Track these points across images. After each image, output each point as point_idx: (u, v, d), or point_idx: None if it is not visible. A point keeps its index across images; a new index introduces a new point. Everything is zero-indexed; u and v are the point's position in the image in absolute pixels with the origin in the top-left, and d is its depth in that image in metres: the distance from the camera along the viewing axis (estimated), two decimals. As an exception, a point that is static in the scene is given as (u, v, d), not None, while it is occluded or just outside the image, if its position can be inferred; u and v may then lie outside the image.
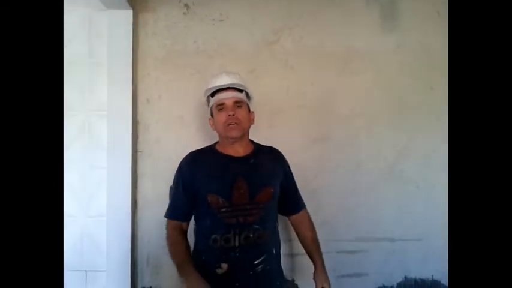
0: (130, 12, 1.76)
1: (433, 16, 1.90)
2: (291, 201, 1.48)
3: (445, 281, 1.85)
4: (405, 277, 1.86)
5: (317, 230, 1.50)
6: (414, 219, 1.86)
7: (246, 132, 1.40)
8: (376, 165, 1.87)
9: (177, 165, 1.40)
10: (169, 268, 1.77)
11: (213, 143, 1.47)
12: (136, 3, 1.81)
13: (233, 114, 1.32)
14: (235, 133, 1.33)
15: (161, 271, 1.79)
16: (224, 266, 1.28)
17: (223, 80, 1.36)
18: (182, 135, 1.82)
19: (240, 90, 1.37)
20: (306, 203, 1.53)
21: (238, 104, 1.35)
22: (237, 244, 1.28)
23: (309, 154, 1.84)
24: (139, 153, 1.82)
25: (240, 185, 1.31)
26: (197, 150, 1.44)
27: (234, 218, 1.29)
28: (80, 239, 1.76)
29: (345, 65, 1.88)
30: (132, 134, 1.75)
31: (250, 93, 1.42)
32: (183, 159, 1.40)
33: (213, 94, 1.38)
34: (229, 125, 1.32)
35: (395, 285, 1.86)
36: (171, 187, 1.42)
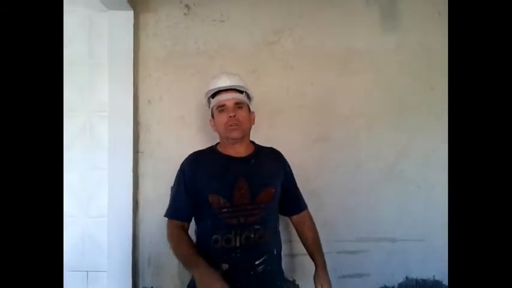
0: (131, 13, 1.76)
1: (433, 16, 1.90)
2: (291, 201, 1.49)
3: (446, 281, 1.84)
4: (406, 277, 1.86)
5: (318, 230, 1.50)
6: (415, 219, 1.86)
7: (246, 133, 1.40)
8: (376, 165, 1.87)
9: (178, 165, 1.40)
10: (170, 268, 1.79)
11: (214, 143, 1.47)
12: (137, 4, 1.81)
13: (234, 116, 1.33)
14: (236, 134, 1.34)
15: (162, 271, 1.79)
16: (225, 266, 1.28)
17: (224, 82, 1.36)
18: (183, 135, 1.82)
19: (241, 91, 1.37)
20: (306, 203, 1.53)
21: (238, 105, 1.35)
22: (238, 244, 1.28)
23: (309, 154, 1.84)
24: (140, 154, 1.82)
25: (241, 186, 1.31)
26: (199, 151, 1.45)
27: (235, 218, 1.29)
28: (81, 239, 1.76)
29: (345, 65, 1.88)
30: (133, 134, 1.76)
31: (250, 94, 1.42)
32: (185, 160, 1.40)
33: (213, 95, 1.39)
34: (230, 126, 1.33)
35: (396, 286, 1.86)
36: (172, 188, 1.43)
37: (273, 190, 1.36)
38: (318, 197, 1.81)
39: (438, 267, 1.84)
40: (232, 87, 1.36)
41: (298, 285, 1.83)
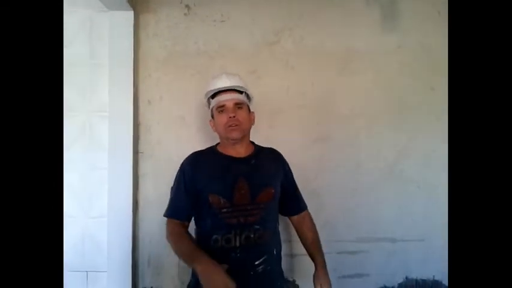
0: (131, 14, 1.77)
1: (433, 16, 1.90)
2: (291, 201, 1.49)
3: (446, 281, 1.85)
4: (406, 277, 1.86)
5: (318, 230, 1.50)
6: (415, 219, 1.86)
7: (246, 133, 1.40)
8: (376, 165, 1.87)
9: (178, 165, 1.40)
10: (170, 269, 1.79)
11: (214, 143, 1.47)
12: (137, 4, 1.81)
13: (234, 116, 1.33)
14: (236, 134, 1.34)
15: (162, 272, 1.79)
16: (224, 266, 1.27)
17: (224, 82, 1.36)
18: (183, 135, 1.82)
19: (240, 92, 1.37)
20: (306, 203, 1.53)
21: (238, 105, 1.35)
22: (237, 244, 1.28)
23: (309, 154, 1.85)
24: (140, 154, 1.82)
25: (241, 186, 1.31)
26: (198, 151, 1.45)
27: (235, 218, 1.29)
28: (81, 239, 1.77)
29: (345, 65, 1.88)
30: (133, 134, 1.76)
31: (250, 94, 1.42)
32: (185, 159, 1.40)
33: (213, 96, 1.39)
34: (229, 126, 1.33)
35: (396, 286, 1.86)
36: (171, 188, 1.43)
37: (273, 190, 1.36)
38: (318, 197, 1.81)
39: (438, 268, 1.84)
40: (232, 88, 1.36)
41: (298, 286, 1.83)
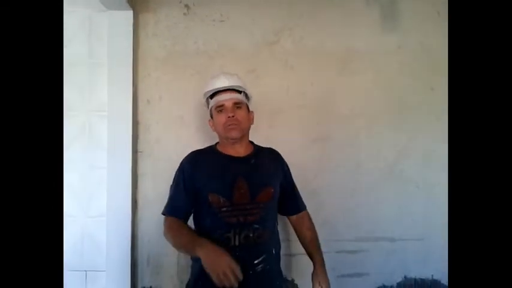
0: (130, 13, 1.76)
1: (433, 16, 1.90)
2: (290, 201, 1.49)
3: (445, 280, 1.85)
4: (405, 277, 1.86)
5: (317, 230, 1.50)
6: (414, 219, 1.86)
7: (245, 133, 1.41)
8: (376, 165, 1.87)
9: (177, 165, 1.40)
10: (169, 268, 1.79)
11: (213, 143, 1.47)
12: (137, 4, 1.81)
13: (233, 116, 1.33)
14: (235, 134, 1.34)
15: (161, 271, 1.79)
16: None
17: (222, 82, 1.36)
18: (182, 135, 1.82)
19: (239, 91, 1.37)
20: (306, 203, 1.53)
21: (237, 105, 1.35)
22: (237, 243, 1.28)
23: (309, 154, 1.85)
24: (139, 154, 1.82)
25: (240, 185, 1.31)
26: (198, 150, 1.45)
27: (234, 217, 1.29)
28: (80, 239, 1.76)
29: (345, 65, 1.88)
30: (133, 134, 1.76)
31: (249, 94, 1.42)
32: (184, 158, 1.40)
33: (212, 96, 1.39)
34: (229, 126, 1.33)
35: (395, 285, 1.86)
36: (170, 186, 1.42)
37: (272, 190, 1.36)
38: (318, 197, 1.81)
39: (437, 267, 1.84)
40: (231, 87, 1.36)
41: (296, 285, 1.83)
